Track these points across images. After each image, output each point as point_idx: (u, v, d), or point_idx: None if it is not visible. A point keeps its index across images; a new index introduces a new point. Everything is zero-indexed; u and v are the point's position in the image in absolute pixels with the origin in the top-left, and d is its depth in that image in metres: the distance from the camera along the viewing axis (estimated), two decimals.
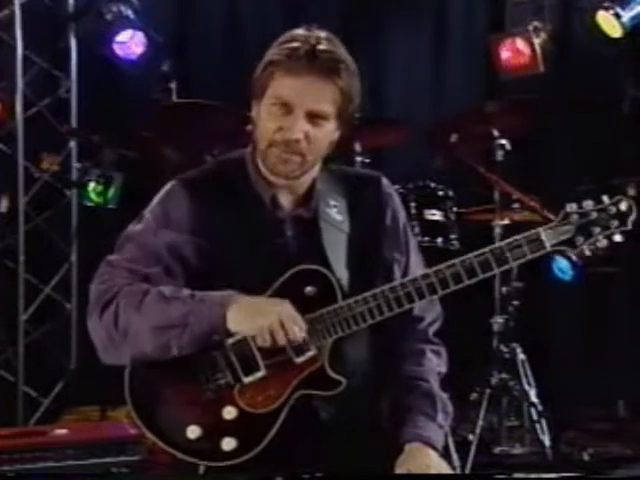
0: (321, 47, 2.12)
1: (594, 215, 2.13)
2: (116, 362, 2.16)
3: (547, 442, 4.02)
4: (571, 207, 2.13)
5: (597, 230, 2.12)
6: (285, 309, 2.08)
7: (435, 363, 2.31)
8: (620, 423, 4.82)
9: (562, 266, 4.54)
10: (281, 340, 2.07)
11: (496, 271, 2.11)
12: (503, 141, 4.28)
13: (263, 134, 2.17)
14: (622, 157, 4.87)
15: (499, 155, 4.28)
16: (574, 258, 4.53)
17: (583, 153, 5.12)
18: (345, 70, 2.14)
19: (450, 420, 2.28)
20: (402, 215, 2.35)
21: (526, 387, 4.15)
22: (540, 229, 2.12)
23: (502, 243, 2.12)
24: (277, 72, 2.13)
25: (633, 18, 4.77)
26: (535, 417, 4.09)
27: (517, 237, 2.12)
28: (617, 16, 4.76)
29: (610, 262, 4.69)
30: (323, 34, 2.16)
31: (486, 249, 2.12)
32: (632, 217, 2.13)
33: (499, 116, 4.26)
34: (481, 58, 5.54)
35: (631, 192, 4.29)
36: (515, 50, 5.24)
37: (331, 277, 2.15)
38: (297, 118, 2.12)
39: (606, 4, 4.78)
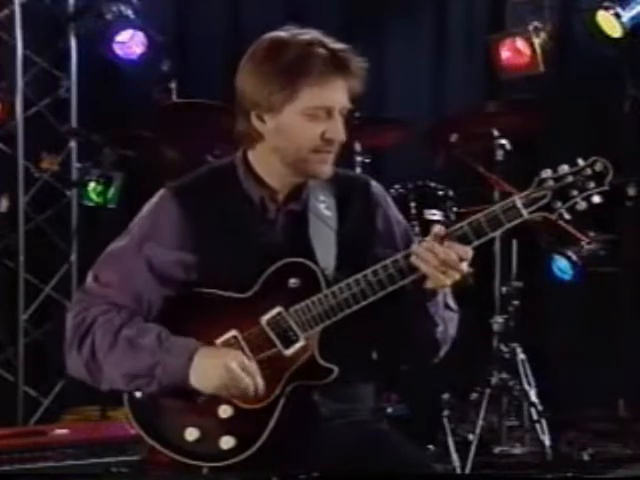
0: (335, 46, 2.16)
1: (570, 178, 2.10)
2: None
3: (547, 442, 4.02)
4: (546, 172, 2.11)
5: (574, 193, 2.09)
6: (231, 363, 2.08)
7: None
8: (620, 423, 4.81)
9: (562, 266, 4.54)
10: (235, 392, 2.09)
11: (475, 243, 2.10)
12: (503, 141, 4.28)
13: (302, 143, 2.17)
14: (622, 157, 4.87)
15: (499, 155, 4.28)
16: (574, 258, 4.55)
17: (583, 153, 5.11)
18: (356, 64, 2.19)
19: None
20: (394, 214, 2.36)
21: (526, 387, 4.15)
22: (515, 197, 2.10)
23: (479, 215, 2.10)
24: (307, 80, 2.13)
25: (633, 18, 4.77)
26: (535, 417, 4.08)
27: (493, 208, 2.10)
28: (617, 16, 4.76)
29: (610, 262, 4.69)
30: (315, 32, 2.19)
31: (463, 223, 2.11)
32: (609, 177, 2.09)
33: (499, 116, 4.27)
34: (481, 58, 5.54)
35: (631, 192, 4.31)
36: (515, 50, 5.24)
37: (315, 268, 2.16)
38: (338, 120, 2.18)
39: (606, 4, 4.78)
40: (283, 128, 2.18)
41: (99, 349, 2.15)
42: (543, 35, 5.19)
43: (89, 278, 2.25)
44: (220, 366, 2.09)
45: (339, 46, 2.17)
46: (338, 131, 2.17)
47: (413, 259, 2.09)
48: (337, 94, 2.17)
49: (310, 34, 2.18)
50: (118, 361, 2.13)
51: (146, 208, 2.28)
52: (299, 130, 2.17)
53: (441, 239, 2.08)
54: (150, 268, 2.20)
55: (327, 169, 2.22)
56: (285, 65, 2.14)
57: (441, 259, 2.06)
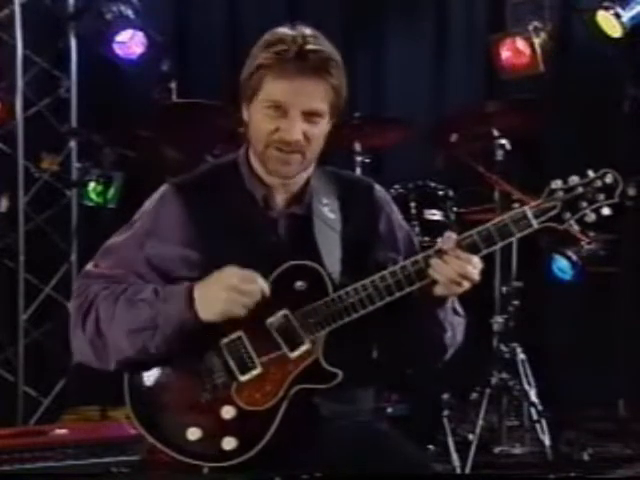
0: (309, 47, 2.12)
1: (580, 190, 2.10)
2: (99, 368, 2.18)
3: (547, 442, 4.02)
4: (556, 183, 2.11)
5: (584, 204, 2.10)
6: (233, 277, 2.08)
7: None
8: (620, 423, 4.81)
9: (562, 266, 4.54)
10: (248, 303, 2.07)
11: (484, 252, 2.10)
12: (503, 141, 4.28)
13: (259, 136, 2.18)
14: (622, 157, 4.87)
15: (499, 155, 4.29)
16: (574, 258, 4.54)
17: (583, 153, 5.12)
18: (334, 67, 2.16)
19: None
20: (397, 217, 2.36)
21: (526, 387, 4.16)
22: (526, 207, 2.10)
23: (489, 224, 2.11)
24: (268, 75, 2.14)
25: (633, 18, 4.78)
26: (535, 417, 4.09)
27: (503, 217, 2.10)
28: (617, 16, 4.76)
29: (610, 262, 4.69)
30: (308, 31, 2.17)
31: (473, 231, 2.11)
32: (619, 189, 2.10)
33: (499, 116, 4.27)
34: (481, 58, 5.54)
35: (631, 192, 4.31)
36: (515, 50, 5.25)
37: (321, 271, 2.15)
38: (294, 119, 2.13)
39: (606, 4, 4.78)
40: (251, 119, 2.21)
41: (103, 321, 2.14)
42: (543, 35, 5.19)
43: (88, 266, 2.26)
44: (221, 289, 2.07)
45: (315, 48, 2.13)
46: (289, 131, 2.13)
47: (430, 271, 2.09)
48: (298, 94, 2.13)
49: (297, 30, 2.16)
50: (120, 321, 2.12)
51: (148, 203, 2.28)
52: (258, 122, 2.18)
53: (451, 248, 2.09)
54: (149, 264, 2.21)
55: (288, 170, 2.19)
56: (259, 58, 2.16)
57: (459, 273, 2.07)
